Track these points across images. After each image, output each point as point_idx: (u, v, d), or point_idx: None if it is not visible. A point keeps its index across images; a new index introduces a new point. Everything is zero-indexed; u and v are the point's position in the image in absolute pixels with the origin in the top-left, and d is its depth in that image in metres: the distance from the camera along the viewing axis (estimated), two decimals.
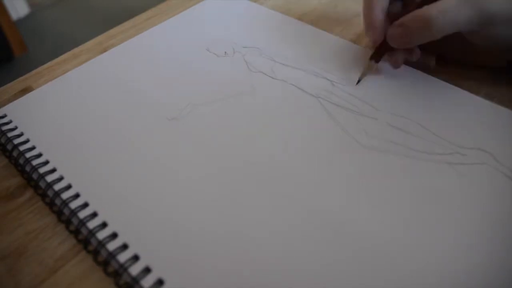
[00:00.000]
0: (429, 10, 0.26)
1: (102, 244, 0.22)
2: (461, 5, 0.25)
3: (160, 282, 0.20)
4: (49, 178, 0.25)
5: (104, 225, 0.23)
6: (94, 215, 0.23)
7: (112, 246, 0.22)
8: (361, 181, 0.24)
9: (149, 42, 0.36)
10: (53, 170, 0.26)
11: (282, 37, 0.36)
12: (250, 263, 0.21)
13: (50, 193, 0.25)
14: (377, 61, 0.30)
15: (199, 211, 0.23)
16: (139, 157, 0.26)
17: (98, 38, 0.38)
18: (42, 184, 0.25)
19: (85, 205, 0.24)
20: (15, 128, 0.29)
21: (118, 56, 0.35)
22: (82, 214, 0.23)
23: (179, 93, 0.31)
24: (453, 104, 0.28)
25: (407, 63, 0.31)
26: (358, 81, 0.30)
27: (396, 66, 0.30)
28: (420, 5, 0.27)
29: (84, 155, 0.27)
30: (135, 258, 0.21)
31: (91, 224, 0.23)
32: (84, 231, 0.23)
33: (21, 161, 0.26)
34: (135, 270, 0.21)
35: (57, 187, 0.25)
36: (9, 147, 0.27)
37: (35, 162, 0.26)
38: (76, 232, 0.23)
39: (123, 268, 0.21)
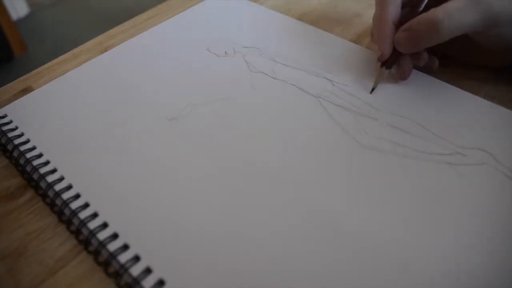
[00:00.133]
0: (435, 13, 0.26)
1: (102, 244, 0.22)
2: (467, 7, 0.25)
3: (161, 282, 0.20)
4: (50, 178, 0.25)
5: (104, 225, 0.23)
6: (94, 215, 0.23)
7: (112, 246, 0.22)
8: (361, 181, 0.24)
9: (149, 42, 0.36)
10: (53, 171, 0.26)
11: (282, 37, 0.36)
12: (250, 263, 0.21)
13: (50, 193, 0.25)
14: (388, 68, 0.30)
15: (199, 211, 0.23)
16: (139, 157, 0.26)
17: (98, 38, 0.38)
18: (42, 184, 0.25)
19: (86, 205, 0.24)
20: (16, 128, 0.29)
21: (118, 56, 0.35)
22: (83, 215, 0.23)
23: (179, 93, 0.31)
24: (453, 104, 0.28)
25: (414, 66, 0.31)
26: (372, 90, 0.30)
27: (404, 77, 0.30)
28: (426, 9, 0.27)
29: (84, 155, 0.27)
30: (136, 258, 0.21)
31: (92, 225, 0.23)
32: (84, 231, 0.23)
33: (21, 161, 0.26)
34: (136, 270, 0.21)
35: (57, 187, 0.25)
36: (9, 147, 0.27)
37: (35, 163, 0.26)
38: (76, 233, 0.23)
39: (124, 268, 0.21)
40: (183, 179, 0.25)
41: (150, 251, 0.22)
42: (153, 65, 0.34)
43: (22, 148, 0.27)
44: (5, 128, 0.29)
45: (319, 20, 0.38)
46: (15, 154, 0.27)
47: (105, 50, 0.36)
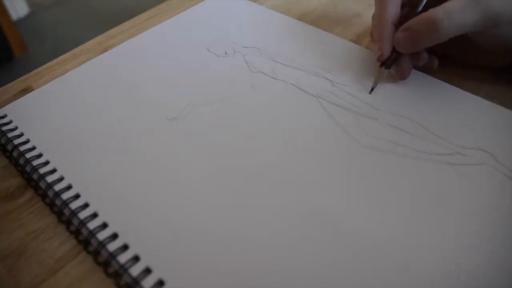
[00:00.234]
0: (434, 12, 0.26)
1: (102, 244, 0.22)
2: (467, 7, 0.25)
3: (160, 282, 0.20)
4: (50, 178, 0.25)
5: (104, 225, 0.23)
6: (94, 215, 0.23)
7: (112, 246, 0.22)
8: (361, 181, 0.24)
9: (149, 42, 0.36)
10: (53, 171, 0.26)
11: (282, 37, 0.36)
12: (250, 263, 0.21)
13: (50, 193, 0.25)
14: (388, 68, 0.30)
15: (199, 211, 0.23)
16: (139, 157, 0.26)
17: (98, 38, 0.38)
18: (42, 184, 0.25)
19: (86, 205, 0.24)
20: (16, 128, 0.29)
21: (118, 56, 0.35)
22: (83, 215, 0.23)
23: (179, 93, 0.31)
24: (453, 104, 0.28)
25: (413, 66, 0.31)
26: (372, 90, 0.30)
27: (403, 77, 0.30)
28: (425, 9, 0.27)
29: (84, 155, 0.27)
30: (136, 258, 0.21)
31: (92, 225, 0.23)
32: (84, 231, 0.23)
33: (21, 161, 0.26)
34: (135, 270, 0.21)
35: (57, 187, 0.25)
36: (9, 147, 0.27)
37: (35, 163, 0.26)
38: (76, 233, 0.23)
39: (124, 268, 0.21)
40: (183, 179, 0.25)
41: (150, 251, 0.22)
42: (153, 65, 0.34)
43: (22, 148, 0.27)
44: (5, 128, 0.29)
45: (319, 20, 0.38)
46: (15, 154, 0.27)
47: (105, 50, 0.36)
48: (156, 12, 0.41)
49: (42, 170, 0.26)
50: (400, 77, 0.30)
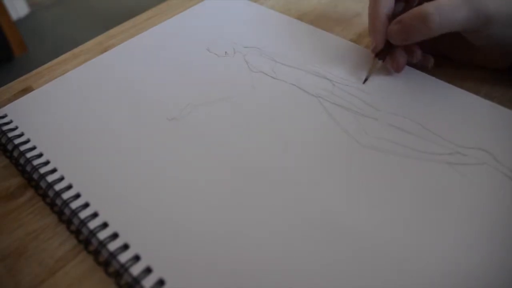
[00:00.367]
0: (426, 7, 0.26)
1: (103, 244, 0.22)
2: (458, 4, 0.25)
3: (161, 282, 0.20)
4: (50, 178, 0.25)
5: (105, 225, 0.23)
6: (94, 215, 0.23)
7: (113, 246, 0.22)
8: (361, 181, 0.24)
9: (149, 42, 0.36)
10: (53, 170, 0.26)
11: (282, 37, 0.36)
12: (250, 263, 0.21)
13: (50, 193, 0.25)
14: (382, 59, 0.30)
15: (199, 211, 0.23)
16: (139, 157, 0.26)
17: (98, 38, 0.38)
18: (42, 184, 0.25)
19: (86, 205, 0.24)
20: (16, 128, 0.29)
21: (118, 56, 0.35)
22: (83, 215, 0.23)
23: (179, 93, 0.31)
24: (453, 104, 0.28)
25: (409, 64, 0.31)
26: (365, 80, 0.30)
27: (397, 69, 0.30)
28: (419, 3, 0.27)
29: (84, 155, 0.27)
30: (136, 258, 0.21)
31: (92, 224, 0.23)
32: (84, 231, 0.23)
33: (21, 161, 0.26)
34: (136, 270, 0.21)
35: (57, 187, 0.25)
36: (9, 147, 0.27)
37: (35, 162, 0.26)
38: (76, 233, 0.23)
39: (124, 268, 0.21)
40: (183, 179, 0.25)
41: (150, 250, 0.22)
42: (153, 65, 0.34)
43: (22, 148, 0.27)
44: (5, 128, 0.29)
45: (319, 20, 0.38)
46: (15, 154, 0.27)
47: (105, 50, 0.36)
48: (156, 12, 0.41)
49: (42, 170, 0.26)
50: (395, 69, 0.30)
